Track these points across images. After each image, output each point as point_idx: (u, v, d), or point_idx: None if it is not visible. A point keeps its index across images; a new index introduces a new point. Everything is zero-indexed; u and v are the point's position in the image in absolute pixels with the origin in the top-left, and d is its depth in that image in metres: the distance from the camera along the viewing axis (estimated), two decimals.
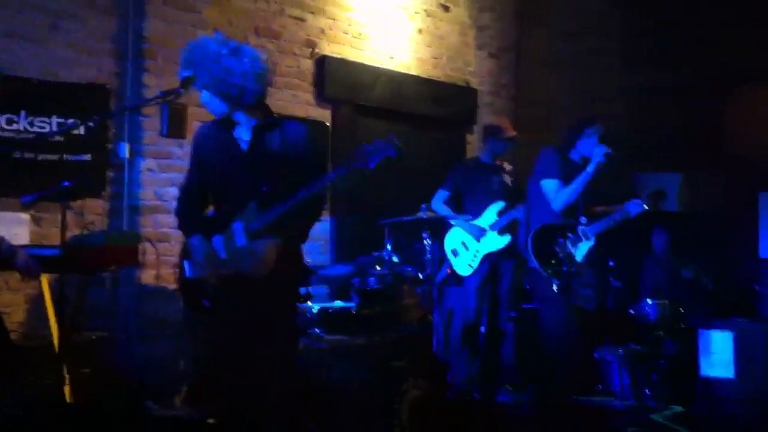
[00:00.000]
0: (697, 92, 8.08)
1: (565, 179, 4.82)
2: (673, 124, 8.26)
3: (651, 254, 6.52)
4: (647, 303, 5.60)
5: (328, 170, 3.30)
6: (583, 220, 4.84)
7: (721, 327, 5.00)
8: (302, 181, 3.22)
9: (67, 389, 3.33)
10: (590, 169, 4.73)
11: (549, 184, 4.84)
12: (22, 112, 4.67)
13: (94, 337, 4.27)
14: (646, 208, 4.90)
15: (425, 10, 7.01)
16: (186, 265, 3.27)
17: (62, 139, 4.80)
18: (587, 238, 4.85)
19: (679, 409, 5.04)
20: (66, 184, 3.33)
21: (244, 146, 3.32)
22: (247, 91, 3.19)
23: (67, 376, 3.35)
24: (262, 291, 3.17)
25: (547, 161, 4.91)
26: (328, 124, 6.21)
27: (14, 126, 4.65)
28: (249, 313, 3.19)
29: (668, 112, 8.33)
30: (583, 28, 8.18)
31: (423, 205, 4.98)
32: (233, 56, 3.17)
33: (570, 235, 4.78)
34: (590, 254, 4.88)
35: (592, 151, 4.79)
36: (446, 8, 7.18)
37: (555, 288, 4.60)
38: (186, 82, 3.18)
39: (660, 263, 6.45)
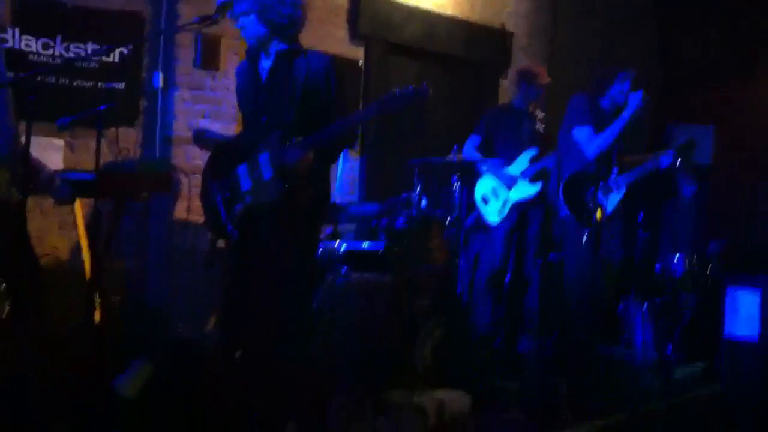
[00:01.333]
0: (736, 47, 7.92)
1: (597, 126, 4.76)
2: (705, 75, 8.12)
3: (674, 200, 6.45)
4: (674, 257, 5.57)
5: (353, 107, 3.32)
6: (615, 169, 4.80)
7: (748, 284, 4.95)
8: (323, 115, 3.24)
9: (97, 315, 3.37)
10: (626, 115, 4.66)
11: (581, 132, 4.78)
12: (58, 37, 4.66)
13: (125, 265, 4.33)
14: (678, 160, 4.86)
15: None
16: (214, 188, 3.30)
17: (97, 66, 4.79)
18: (618, 188, 4.81)
19: (700, 365, 5.05)
20: (102, 108, 3.32)
21: (264, 76, 3.34)
22: (290, 20, 3.21)
23: (98, 301, 3.38)
24: (284, 221, 3.19)
25: (578, 108, 4.85)
26: (360, 62, 6.14)
27: (50, 51, 4.64)
28: (269, 242, 3.21)
29: (700, 63, 8.18)
30: None
31: (454, 148, 4.93)
32: None
33: (602, 184, 4.74)
34: (620, 205, 4.85)
35: (626, 97, 4.73)
36: None
37: (585, 237, 4.58)
38: (222, 8, 3.17)
39: (685, 211, 6.38)
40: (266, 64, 3.36)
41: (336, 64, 3.36)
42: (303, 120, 3.22)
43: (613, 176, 4.78)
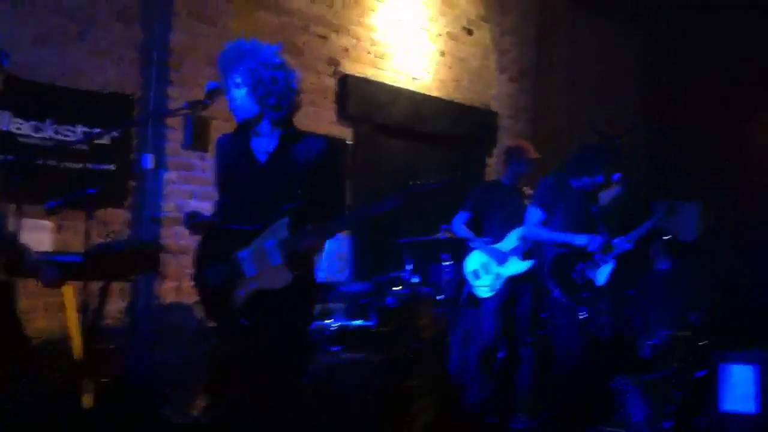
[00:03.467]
0: (718, 115, 8.09)
1: (568, 206, 4.80)
2: (693, 150, 8.26)
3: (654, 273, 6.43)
4: (663, 333, 5.54)
5: (346, 187, 3.33)
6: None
7: (742, 360, 4.93)
8: (326, 198, 3.24)
9: (86, 398, 3.30)
10: (579, 242, 4.71)
11: (532, 213, 4.84)
12: (48, 120, 4.68)
13: (112, 346, 4.25)
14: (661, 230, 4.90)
15: (448, 33, 7.03)
16: (211, 273, 3.26)
17: (86, 148, 4.80)
18: (605, 262, 4.83)
19: None
20: (91, 191, 3.32)
21: (261, 158, 3.33)
22: (284, 101, 3.21)
23: (86, 384, 3.31)
24: (286, 305, 3.17)
25: (541, 188, 4.92)
26: (348, 141, 6.21)
27: (40, 133, 4.65)
28: (273, 326, 3.18)
29: (687, 137, 8.34)
30: (602, 51, 8.22)
31: (443, 227, 4.96)
32: (281, 65, 3.20)
33: (589, 261, 4.76)
34: (610, 279, 4.86)
35: (596, 185, 4.81)
36: (469, 32, 7.20)
37: (582, 315, 4.57)
38: (213, 93, 3.19)
39: (666, 282, 6.36)
40: (262, 144, 3.32)
41: (334, 146, 3.37)
42: (308, 205, 3.22)
43: (600, 247, 4.80)
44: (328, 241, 3.50)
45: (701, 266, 6.67)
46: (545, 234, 4.76)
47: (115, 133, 4.87)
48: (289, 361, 3.22)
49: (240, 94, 3.23)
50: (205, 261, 3.32)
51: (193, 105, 3.13)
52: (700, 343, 5.49)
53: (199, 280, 3.33)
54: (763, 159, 7.94)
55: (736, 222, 8.08)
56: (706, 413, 5.12)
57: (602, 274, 4.79)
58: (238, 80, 3.20)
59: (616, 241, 4.85)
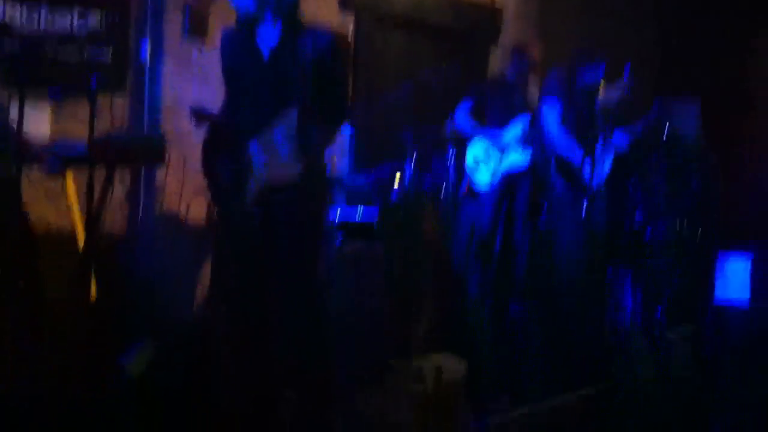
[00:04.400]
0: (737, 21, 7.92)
1: (574, 100, 4.77)
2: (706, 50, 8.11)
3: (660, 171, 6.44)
4: (663, 221, 5.59)
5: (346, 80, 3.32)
6: (600, 141, 4.81)
7: (739, 250, 5.00)
8: (331, 94, 3.23)
9: (93, 290, 3.35)
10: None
11: (549, 112, 4.80)
12: (42, 5, 4.56)
13: (115, 236, 4.29)
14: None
15: None
16: (223, 166, 3.26)
17: (83, 34, 4.70)
18: (607, 156, 4.85)
19: (688, 328, 5.09)
20: (94, 78, 3.27)
21: (265, 52, 3.28)
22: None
23: (92, 274, 3.36)
24: (296, 196, 3.18)
25: (551, 83, 4.87)
26: (350, 36, 6.08)
27: (34, 20, 4.54)
28: (285, 217, 3.20)
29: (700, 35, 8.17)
30: None
31: (450, 116, 4.93)
32: None
33: (589, 155, 4.77)
34: (611, 171, 4.89)
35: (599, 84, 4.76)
36: None
37: (585, 207, 4.61)
38: None
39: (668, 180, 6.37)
40: (266, 39, 3.28)
41: (338, 40, 3.33)
42: (314, 99, 3.19)
43: (600, 143, 4.80)
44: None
45: (700, 162, 6.67)
46: (562, 138, 4.74)
47: (112, 17, 4.75)
48: (302, 252, 3.26)
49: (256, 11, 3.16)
50: (214, 153, 3.32)
51: None
52: (699, 231, 5.57)
53: (210, 174, 3.34)
54: None
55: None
56: (700, 301, 5.24)
57: (603, 171, 4.82)
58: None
59: (616, 135, 4.85)
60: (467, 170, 5.37)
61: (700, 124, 7.78)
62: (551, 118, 4.77)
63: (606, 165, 4.89)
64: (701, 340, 4.94)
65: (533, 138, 5.23)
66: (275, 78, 3.26)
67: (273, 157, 3.20)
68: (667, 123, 5.09)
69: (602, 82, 4.87)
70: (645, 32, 8.11)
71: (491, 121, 5.42)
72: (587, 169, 4.73)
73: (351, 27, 6.09)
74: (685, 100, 7.49)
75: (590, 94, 4.84)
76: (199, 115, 3.43)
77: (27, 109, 3.58)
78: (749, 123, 7.77)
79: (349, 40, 6.07)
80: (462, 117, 5.34)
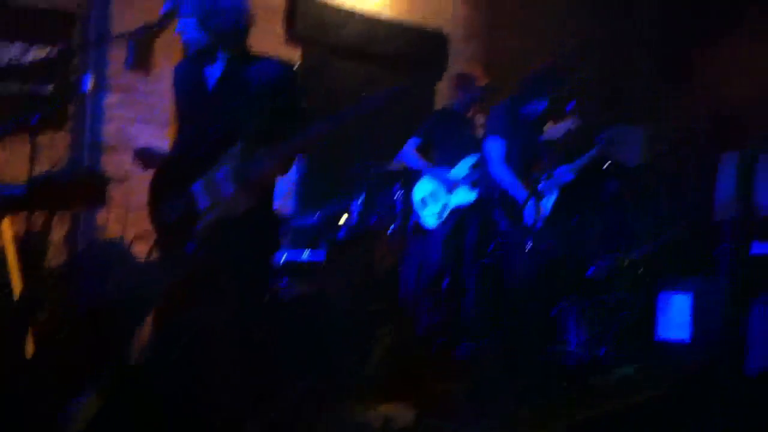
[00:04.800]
0: (666, 42, 8.13)
1: (519, 134, 4.80)
2: (639, 75, 8.31)
3: (602, 204, 6.53)
4: (605, 258, 5.66)
5: (302, 112, 3.26)
6: (544, 175, 4.85)
7: (679, 288, 5.08)
8: (283, 124, 3.17)
9: (30, 344, 3.24)
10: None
11: (493, 145, 4.80)
12: None
13: (53, 279, 4.16)
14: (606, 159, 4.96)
15: None
16: (167, 207, 3.18)
17: (25, 67, 4.58)
18: (550, 192, 4.88)
19: (632, 367, 5.15)
20: (36, 119, 3.16)
21: (213, 86, 3.23)
22: (233, 28, 3.10)
23: (31, 321, 3.24)
24: (242, 236, 3.12)
25: (495, 117, 4.88)
26: (297, 64, 6.04)
27: None
28: (228, 259, 3.13)
29: (635, 63, 8.37)
30: None
31: (396, 157, 4.92)
32: None
33: (534, 190, 4.80)
34: (555, 208, 4.92)
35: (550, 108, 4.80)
36: None
37: (529, 245, 4.62)
38: (168, 15, 3.04)
39: (613, 214, 6.46)
40: (213, 71, 3.23)
41: (289, 70, 3.28)
42: (262, 130, 3.12)
43: (543, 182, 4.84)
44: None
45: (645, 192, 6.79)
46: (506, 177, 4.74)
47: (53, 52, 4.65)
48: (246, 293, 3.20)
49: (190, 24, 3.11)
50: (160, 195, 3.24)
51: (148, 27, 2.97)
52: (640, 270, 5.64)
53: (155, 214, 3.26)
54: (718, 86, 8.02)
55: (681, 148, 8.20)
56: (643, 340, 5.30)
57: (546, 205, 4.85)
58: (187, 10, 3.07)
59: (559, 170, 4.89)
60: (415, 207, 5.37)
61: (646, 153, 7.96)
62: (495, 155, 4.78)
63: (550, 201, 4.92)
64: (645, 376, 5.01)
65: (481, 176, 5.25)
66: (223, 112, 3.20)
67: (218, 197, 3.13)
68: (609, 155, 5.15)
69: (546, 116, 4.91)
70: (589, 63, 8.28)
71: (439, 156, 5.43)
72: (531, 206, 4.75)
73: (299, 56, 6.07)
74: (629, 129, 7.65)
75: (534, 130, 4.87)
76: (144, 157, 3.35)
77: None
78: (689, 154, 7.98)
79: (298, 69, 6.03)
80: (409, 154, 5.34)
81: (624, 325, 5.39)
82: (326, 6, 6.17)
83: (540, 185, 4.80)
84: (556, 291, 5.63)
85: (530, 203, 4.71)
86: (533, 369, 4.98)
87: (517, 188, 4.70)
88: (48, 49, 4.66)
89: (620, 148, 5.56)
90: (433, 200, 5.35)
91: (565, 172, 4.91)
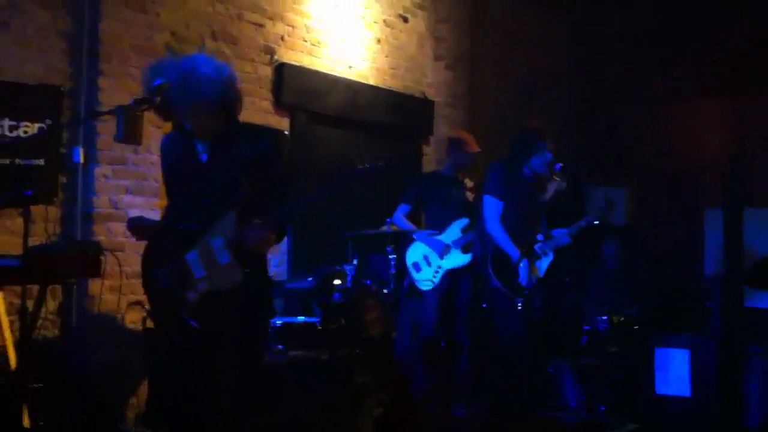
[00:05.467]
0: (644, 107, 8.35)
1: (516, 195, 4.83)
2: (621, 137, 8.52)
3: (598, 265, 6.55)
4: (601, 317, 5.66)
5: (288, 179, 3.30)
6: (540, 237, 4.88)
7: (676, 344, 5.08)
8: (272, 191, 3.19)
9: (25, 419, 3.17)
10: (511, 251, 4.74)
11: (490, 203, 4.83)
12: None
13: (47, 349, 4.10)
14: (596, 222, 4.98)
15: (384, 20, 6.98)
16: (161, 276, 3.16)
17: (15, 142, 4.59)
18: (545, 254, 4.89)
19: (633, 426, 5.10)
20: (29, 193, 3.17)
21: (203, 156, 3.26)
22: (225, 99, 3.13)
23: (25, 393, 3.18)
24: (238, 304, 3.10)
25: (493, 178, 4.92)
26: (286, 132, 6.11)
27: None
28: (224, 328, 3.11)
29: (616, 126, 8.58)
30: (532, 38, 8.33)
31: (387, 220, 4.94)
32: (222, 78, 3.12)
33: (529, 250, 4.82)
34: (550, 270, 4.92)
35: (547, 167, 4.83)
36: (405, 19, 7.15)
37: (519, 306, 4.61)
38: (158, 90, 3.06)
39: (608, 274, 6.47)
40: (204, 143, 3.27)
41: (277, 139, 3.32)
42: (253, 199, 3.14)
43: (539, 245, 4.86)
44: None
45: (632, 251, 6.84)
46: (500, 235, 4.75)
47: (43, 127, 4.67)
48: (241, 362, 3.17)
49: (183, 107, 3.14)
50: (153, 263, 3.23)
51: (140, 102, 3.00)
52: (635, 328, 5.64)
53: (148, 282, 3.24)
54: (683, 146, 8.22)
55: (661, 207, 8.35)
56: (641, 397, 5.27)
57: (541, 267, 4.85)
58: (178, 97, 3.10)
59: (556, 232, 4.91)
60: (408, 270, 5.37)
61: (631, 212, 8.07)
62: (490, 214, 4.80)
63: (546, 263, 4.92)
64: None
65: (473, 238, 5.27)
66: (212, 181, 3.22)
67: (212, 265, 3.12)
68: (607, 217, 5.18)
69: (544, 178, 4.93)
70: (567, 125, 8.47)
71: (429, 219, 5.46)
72: (525, 265, 4.76)
73: (287, 124, 6.14)
74: (613, 189, 7.77)
75: (531, 190, 4.90)
76: (137, 226, 3.34)
77: None
78: (675, 208, 8.11)
79: (287, 137, 6.10)
80: (400, 219, 5.37)
81: (620, 382, 5.36)
82: (311, 74, 6.27)
83: (537, 246, 4.83)
84: (550, 350, 5.61)
85: (524, 263, 4.72)
86: (531, 429, 4.93)
87: (511, 247, 4.71)
88: (38, 124, 4.67)
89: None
90: (426, 264, 5.37)
91: (563, 235, 4.91)
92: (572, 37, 8.79)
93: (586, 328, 5.75)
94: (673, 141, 8.34)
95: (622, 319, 5.62)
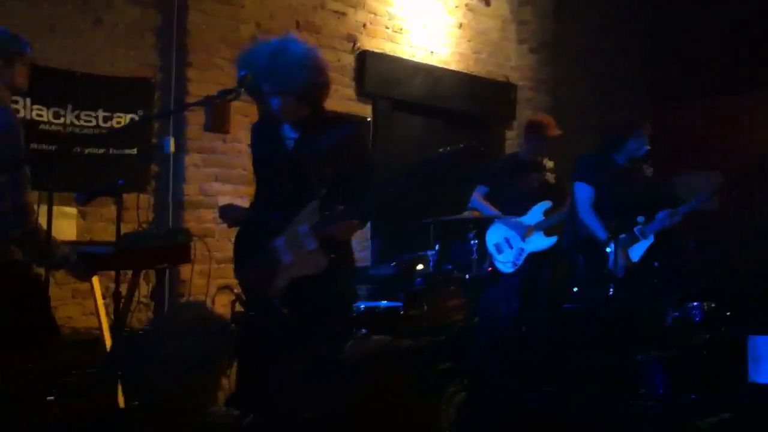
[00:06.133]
0: (722, 93, 8.07)
1: (609, 182, 4.76)
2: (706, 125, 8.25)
3: (688, 250, 6.36)
4: (693, 305, 5.50)
5: (371, 166, 3.32)
6: (641, 218, 4.80)
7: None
8: (355, 180, 3.23)
9: (120, 399, 3.32)
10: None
11: (582, 190, 4.79)
12: (68, 106, 4.66)
13: (141, 333, 4.28)
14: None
15: (466, 5, 6.94)
16: (251, 262, 3.26)
17: (109, 133, 4.80)
18: (644, 237, 4.81)
19: (726, 415, 4.96)
20: (121, 182, 3.31)
21: (289, 144, 3.32)
22: (312, 85, 3.18)
23: (119, 373, 3.33)
24: (324, 290, 3.17)
25: (584, 166, 4.87)
26: (368, 119, 6.16)
27: (61, 119, 4.64)
28: (309, 313, 3.18)
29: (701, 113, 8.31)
30: (614, 22, 8.14)
31: (469, 206, 4.94)
32: (309, 60, 3.16)
33: (623, 236, 4.74)
34: (647, 254, 4.84)
35: (642, 151, 4.75)
36: (487, 2, 7.09)
37: (610, 291, 4.55)
38: (244, 81, 3.14)
39: (699, 260, 6.29)
40: (290, 131, 3.33)
41: (361, 128, 3.35)
42: (337, 187, 3.20)
43: (638, 227, 4.79)
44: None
45: (723, 237, 6.63)
46: (590, 219, 4.72)
47: (135, 118, 4.85)
48: (328, 346, 3.24)
49: (275, 98, 3.21)
50: (243, 251, 3.33)
51: (226, 93, 3.08)
52: (727, 314, 5.47)
53: (238, 270, 3.35)
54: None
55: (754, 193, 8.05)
56: (734, 385, 5.10)
57: (637, 251, 4.78)
58: (270, 88, 3.17)
59: (660, 215, 4.82)
60: (489, 252, 5.36)
61: (716, 197, 7.83)
62: (582, 200, 4.76)
63: (643, 245, 4.84)
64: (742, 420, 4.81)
65: (555, 223, 5.22)
66: (297, 169, 3.28)
67: (298, 252, 3.19)
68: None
69: (635, 163, 4.86)
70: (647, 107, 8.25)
71: (508, 202, 5.42)
72: (612, 249, 4.69)
73: (369, 112, 6.19)
74: (703, 173, 7.55)
75: (623, 177, 4.83)
76: (227, 214, 3.45)
77: (56, 211, 3.63)
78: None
79: (369, 123, 6.15)
80: (478, 201, 5.35)
81: (712, 371, 5.21)
82: (393, 61, 6.30)
83: (636, 228, 4.77)
84: (638, 338, 5.49)
85: (611, 246, 4.65)
86: (616, 419, 4.85)
87: (600, 230, 4.66)
88: (130, 115, 4.86)
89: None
90: (508, 246, 5.33)
91: (668, 216, 4.82)
92: (655, 20, 8.54)
93: (676, 315, 5.60)
94: (757, 130, 8.04)
95: (713, 305, 5.44)
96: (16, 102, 4.34)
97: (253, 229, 3.34)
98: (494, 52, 7.16)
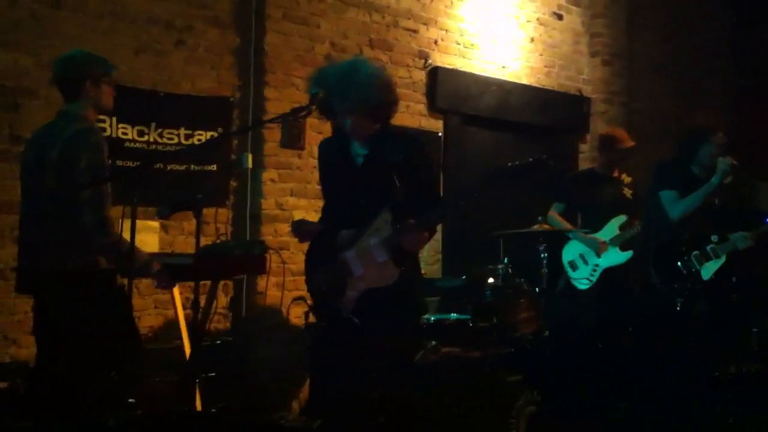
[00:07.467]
0: None
1: (687, 192, 4.71)
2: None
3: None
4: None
5: (438, 181, 3.39)
6: (714, 238, 4.72)
7: None
8: (421, 194, 3.31)
9: (198, 402, 3.46)
10: (714, 180, 4.60)
11: (667, 196, 4.74)
12: (152, 124, 4.88)
13: (219, 342, 4.44)
14: None
15: (537, 19, 6.96)
16: (320, 277, 3.36)
17: (190, 149, 4.99)
18: (717, 257, 4.72)
19: None
20: (200, 197, 3.47)
21: (358, 160, 3.41)
22: (383, 102, 3.28)
23: (197, 381, 3.48)
24: (395, 301, 3.24)
25: (664, 175, 4.82)
26: (440, 134, 6.23)
27: (145, 137, 4.86)
28: (380, 324, 3.26)
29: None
30: (690, 31, 8.00)
31: (539, 218, 4.95)
32: (380, 80, 3.27)
33: (696, 252, 4.67)
34: (719, 273, 4.75)
35: (715, 161, 4.68)
36: (559, 16, 7.09)
37: (678, 306, 4.49)
38: (315, 99, 3.26)
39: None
40: (359, 147, 3.43)
41: (427, 142, 3.44)
42: (406, 201, 3.28)
43: (710, 246, 4.71)
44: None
45: None
46: (695, 199, 4.66)
47: (215, 135, 5.04)
48: (398, 356, 3.31)
49: (340, 116, 3.33)
50: (315, 264, 3.44)
51: (299, 110, 3.21)
52: None
53: (311, 282, 3.46)
54: None
55: None
56: None
57: (710, 269, 4.70)
58: (344, 106, 3.28)
59: (735, 236, 4.73)
60: (564, 269, 5.34)
61: None
62: (669, 203, 4.71)
63: (714, 265, 4.75)
64: None
65: (631, 237, 5.17)
66: (367, 184, 3.37)
67: (369, 264, 3.28)
68: None
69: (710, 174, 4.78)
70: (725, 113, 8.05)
71: (583, 218, 5.41)
72: (695, 263, 4.63)
73: (440, 127, 6.26)
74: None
75: (701, 181, 4.77)
76: (300, 230, 3.57)
77: (138, 224, 3.82)
78: None
79: (440, 137, 6.22)
80: (554, 218, 5.35)
81: None
82: (464, 76, 6.36)
83: (709, 247, 4.70)
84: (715, 355, 5.38)
85: (692, 260, 4.59)
86: None
87: (680, 243, 4.61)
88: (210, 133, 5.05)
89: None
90: (583, 262, 5.31)
91: (742, 238, 4.73)
92: (735, 28, 8.35)
93: (755, 330, 5.48)
94: None
95: None
96: (103, 121, 4.57)
97: (324, 242, 3.44)
98: (566, 66, 7.15)
